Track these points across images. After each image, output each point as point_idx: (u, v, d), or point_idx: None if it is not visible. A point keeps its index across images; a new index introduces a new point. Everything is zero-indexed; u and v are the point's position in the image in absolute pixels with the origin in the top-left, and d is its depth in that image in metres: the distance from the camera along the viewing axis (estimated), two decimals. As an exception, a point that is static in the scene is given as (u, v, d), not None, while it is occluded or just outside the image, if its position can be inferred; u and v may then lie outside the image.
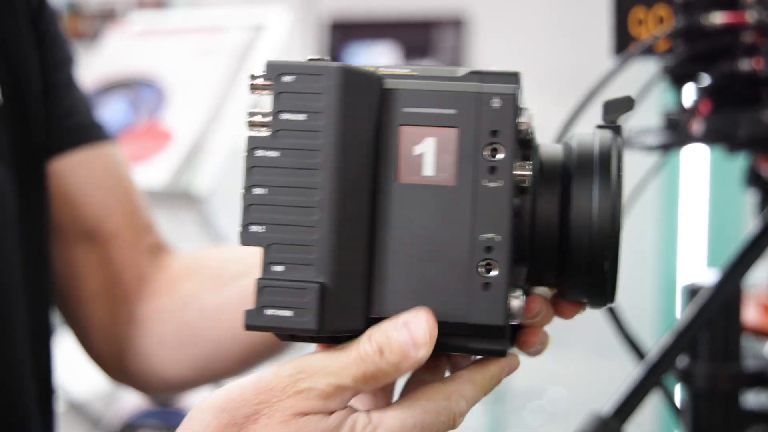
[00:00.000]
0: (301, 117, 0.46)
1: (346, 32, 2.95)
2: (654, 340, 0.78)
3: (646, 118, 0.88)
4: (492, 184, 0.47)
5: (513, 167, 0.47)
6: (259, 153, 0.46)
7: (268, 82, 0.47)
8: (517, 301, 0.47)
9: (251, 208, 0.46)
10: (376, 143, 0.47)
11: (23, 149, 0.72)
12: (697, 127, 0.82)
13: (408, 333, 0.45)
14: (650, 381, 0.74)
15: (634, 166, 0.90)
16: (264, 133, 0.47)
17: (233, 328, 0.73)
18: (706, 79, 0.83)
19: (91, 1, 3.42)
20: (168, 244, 0.82)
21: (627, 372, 0.74)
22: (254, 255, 0.75)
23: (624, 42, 0.84)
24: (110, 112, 1.76)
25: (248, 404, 0.45)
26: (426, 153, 0.47)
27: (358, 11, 2.97)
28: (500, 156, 0.47)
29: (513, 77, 0.48)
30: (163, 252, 0.80)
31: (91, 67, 1.87)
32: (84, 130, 0.77)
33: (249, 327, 0.46)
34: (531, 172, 0.47)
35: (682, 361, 0.86)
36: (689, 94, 0.85)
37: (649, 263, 2.27)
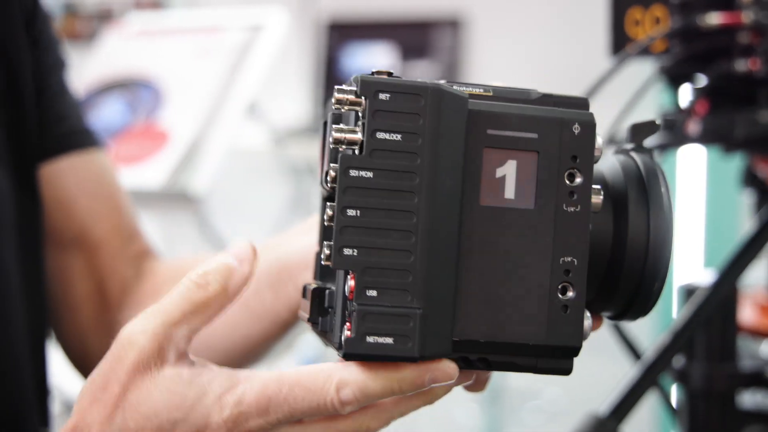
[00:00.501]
0: (396, 137, 0.46)
1: (343, 33, 2.95)
2: (651, 340, 0.78)
3: (642, 119, 0.88)
4: (571, 209, 0.48)
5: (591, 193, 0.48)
6: (353, 173, 0.45)
7: (359, 98, 0.45)
8: (587, 322, 0.48)
9: (345, 231, 0.45)
10: (464, 165, 0.47)
11: (20, 152, 0.72)
12: (693, 127, 0.82)
13: (231, 252, 0.49)
14: (647, 381, 0.74)
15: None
16: (353, 151, 0.46)
17: (207, 338, 0.73)
18: (702, 80, 0.83)
19: (87, 2, 3.42)
20: (154, 250, 0.81)
21: (624, 372, 0.74)
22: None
23: (621, 42, 0.84)
24: (107, 113, 1.76)
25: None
26: (507, 176, 0.48)
27: (355, 12, 2.97)
28: (578, 181, 0.48)
29: (583, 102, 0.49)
30: (148, 258, 0.80)
31: (88, 68, 1.87)
32: (75, 136, 0.77)
33: (348, 356, 0.45)
34: (603, 198, 0.49)
35: (678, 361, 0.86)
36: (686, 94, 0.85)
37: (647, 263, 2.27)
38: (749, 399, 0.88)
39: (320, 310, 0.49)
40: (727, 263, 0.78)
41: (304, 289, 0.53)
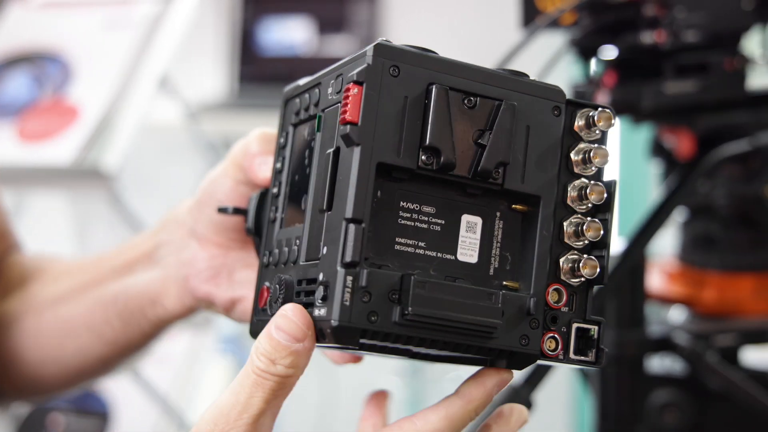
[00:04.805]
0: None
1: (259, 6, 2.91)
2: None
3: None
4: None
5: None
6: None
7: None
8: None
9: None
10: None
11: None
12: (602, 98, 0.83)
13: (283, 332, 0.45)
14: (559, 349, 0.75)
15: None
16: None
17: (55, 353, 0.72)
18: (611, 52, 0.84)
19: (-9, -27, 3.29)
20: (19, 244, 0.80)
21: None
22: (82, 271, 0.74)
23: (531, 15, 0.85)
24: (12, 88, 1.70)
25: None
26: None
27: (270, -16, 2.93)
28: None
29: None
30: (13, 253, 0.79)
31: (-8, 41, 1.80)
32: None
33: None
34: None
35: (590, 328, 0.87)
36: (595, 66, 0.87)
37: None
38: (657, 364, 0.91)
39: None
40: (635, 232, 0.80)
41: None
